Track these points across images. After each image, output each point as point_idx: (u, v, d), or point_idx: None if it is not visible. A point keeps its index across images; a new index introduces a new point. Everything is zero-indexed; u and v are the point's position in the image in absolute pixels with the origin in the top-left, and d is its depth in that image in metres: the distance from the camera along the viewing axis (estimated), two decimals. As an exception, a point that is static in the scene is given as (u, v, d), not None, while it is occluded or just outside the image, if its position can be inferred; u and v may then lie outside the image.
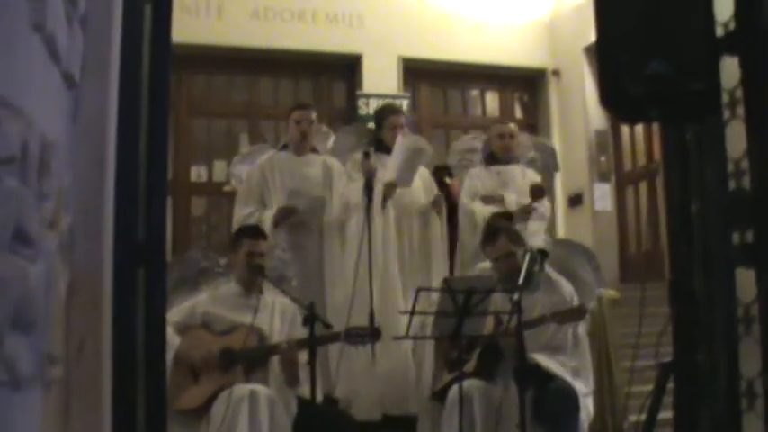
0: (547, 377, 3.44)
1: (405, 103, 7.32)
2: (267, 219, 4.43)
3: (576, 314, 3.50)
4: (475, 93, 8.22)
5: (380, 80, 7.37)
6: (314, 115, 4.75)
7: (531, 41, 7.81)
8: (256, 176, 4.68)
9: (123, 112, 1.82)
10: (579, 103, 7.51)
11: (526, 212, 4.52)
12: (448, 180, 5.07)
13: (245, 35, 7.05)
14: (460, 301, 3.15)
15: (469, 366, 3.54)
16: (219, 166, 7.18)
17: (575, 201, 7.57)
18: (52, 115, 1.44)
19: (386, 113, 4.85)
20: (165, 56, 1.97)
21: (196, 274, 3.93)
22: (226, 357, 3.42)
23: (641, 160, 7.17)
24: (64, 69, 1.50)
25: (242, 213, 4.54)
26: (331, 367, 4.13)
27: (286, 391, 3.41)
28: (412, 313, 3.26)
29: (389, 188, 4.39)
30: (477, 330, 3.39)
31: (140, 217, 1.88)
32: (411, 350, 4.31)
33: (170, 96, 1.99)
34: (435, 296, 3.76)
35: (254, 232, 3.80)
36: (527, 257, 3.25)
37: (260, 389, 3.28)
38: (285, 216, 4.46)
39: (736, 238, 1.96)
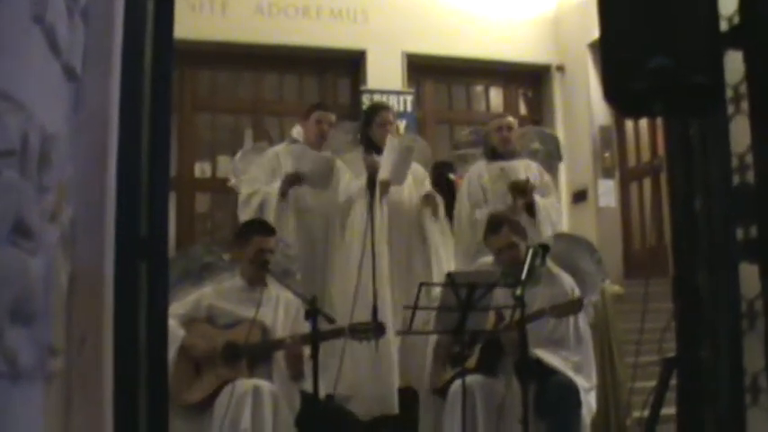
0: (548, 372, 3.43)
1: (409, 99, 7.31)
2: (273, 193, 4.42)
3: (573, 307, 3.50)
4: (479, 88, 8.20)
5: (385, 76, 7.34)
6: (334, 117, 4.77)
7: (535, 37, 7.79)
8: (270, 156, 4.69)
9: (125, 104, 1.82)
10: (583, 99, 7.49)
11: (513, 212, 4.38)
12: (452, 176, 5.04)
13: (249, 31, 7.03)
14: (463, 295, 3.14)
15: (471, 362, 3.53)
16: (224, 162, 7.16)
17: (579, 197, 7.55)
18: (52, 108, 1.44)
19: (376, 109, 4.83)
20: (168, 48, 1.97)
21: (200, 268, 3.93)
22: (229, 351, 3.42)
23: (645, 156, 7.14)
24: (65, 62, 1.50)
25: (246, 192, 4.53)
26: (333, 363, 4.11)
27: (289, 386, 3.41)
28: (415, 308, 3.26)
29: (384, 186, 4.37)
30: (480, 325, 3.38)
31: (142, 210, 1.88)
32: (396, 348, 4.24)
33: (172, 89, 1.99)
34: (436, 292, 3.73)
35: (265, 228, 3.77)
36: (530, 252, 3.24)
37: (263, 384, 3.28)
38: (292, 182, 4.45)
39: (740, 233, 1.95)
